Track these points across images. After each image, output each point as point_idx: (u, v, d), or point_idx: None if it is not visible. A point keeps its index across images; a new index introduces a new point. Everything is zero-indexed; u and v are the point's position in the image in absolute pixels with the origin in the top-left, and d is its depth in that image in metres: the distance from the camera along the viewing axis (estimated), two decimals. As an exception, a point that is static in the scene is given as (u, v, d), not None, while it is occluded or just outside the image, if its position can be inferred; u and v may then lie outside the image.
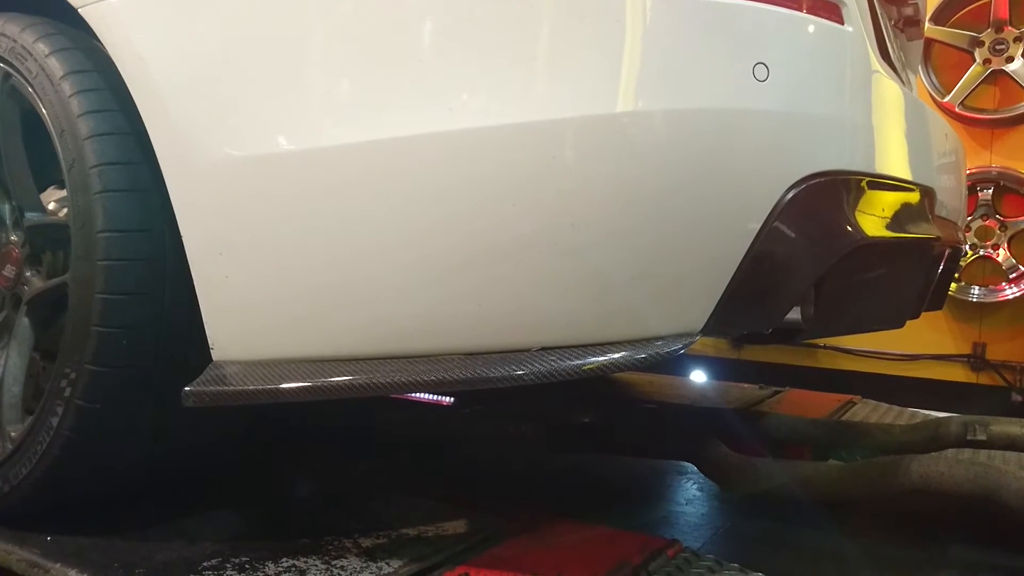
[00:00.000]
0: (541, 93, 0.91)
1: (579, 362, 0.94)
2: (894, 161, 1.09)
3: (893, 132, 1.12)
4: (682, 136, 0.91)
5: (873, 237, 1.02)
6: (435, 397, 2.19)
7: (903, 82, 1.49)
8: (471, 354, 0.97)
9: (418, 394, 2.19)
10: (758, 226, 0.93)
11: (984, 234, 2.99)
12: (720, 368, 3.24)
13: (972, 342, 2.98)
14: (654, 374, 2.79)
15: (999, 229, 2.98)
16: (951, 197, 1.40)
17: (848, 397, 2.38)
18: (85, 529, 1.14)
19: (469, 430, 1.85)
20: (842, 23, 1.01)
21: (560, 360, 0.94)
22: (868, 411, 2.25)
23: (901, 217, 1.12)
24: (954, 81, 3.02)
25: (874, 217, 1.04)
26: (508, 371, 0.94)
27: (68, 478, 1.14)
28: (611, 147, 0.90)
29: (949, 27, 3.03)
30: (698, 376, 3.16)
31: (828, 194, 0.97)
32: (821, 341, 3.16)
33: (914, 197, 1.17)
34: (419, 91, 0.95)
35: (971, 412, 1.88)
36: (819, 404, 2.27)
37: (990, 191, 2.98)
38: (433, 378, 0.96)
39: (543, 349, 0.95)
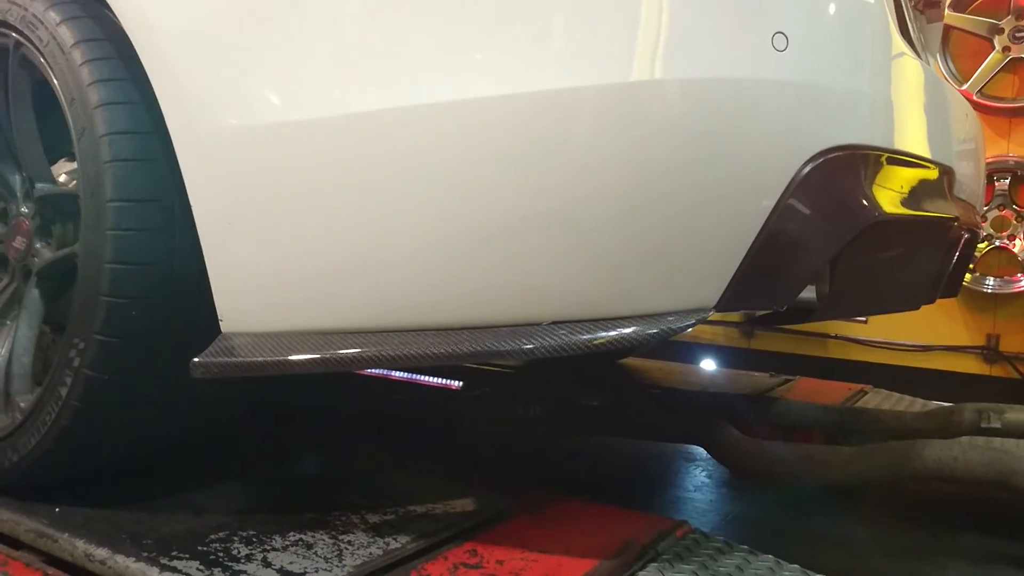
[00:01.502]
0: (554, 62, 0.90)
1: (589, 336, 0.92)
2: (914, 138, 1.07)
3: (913, 108, 1.10)
4: (698, 106, 0.89)
5: (891, 214, 1.00)
6: (444, 381, 2.19)
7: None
8: (481, 327, 0.96)
9: (427, 376, 2.19)
10: (774, 201, 0.91)
11: (1000, 224, 2.96)
12: (730, 357, 3.23)
13: (986, 333, 2.96)
14: (665, 361, 2.78)
15: (1015, 219, 2.95)
16: (970, 178, 1.38)
17: (859, 386, 2.36)
18: (93, 500, 1.14)
19: (477, 412, 1.85)
20: (863, -6, 1.00)
21: (570, 334, 0.93)
22: (879, 400, 2.23)
23: (919, 195, 1.10)
24: (972, 69, 2.98)
25: (892, 194, 1.02)
26: (518, 345, 0.93)
27: (76, 448, 1.14)
28: (625, 117, 0.89)
29: (968, 14, 2.99)
30: (708, 364, 3.15)
31: (846, 169, 0.95)
32: (832, 331, 3.14)
33: (933, 175, 1.15)
34: (429, 59, 0.93)
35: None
36: (830, 393, 2.26)
37: (1007, 181, 2.94)
38: (442, 351, 0.95)
39: (554, 323, 0.94)
